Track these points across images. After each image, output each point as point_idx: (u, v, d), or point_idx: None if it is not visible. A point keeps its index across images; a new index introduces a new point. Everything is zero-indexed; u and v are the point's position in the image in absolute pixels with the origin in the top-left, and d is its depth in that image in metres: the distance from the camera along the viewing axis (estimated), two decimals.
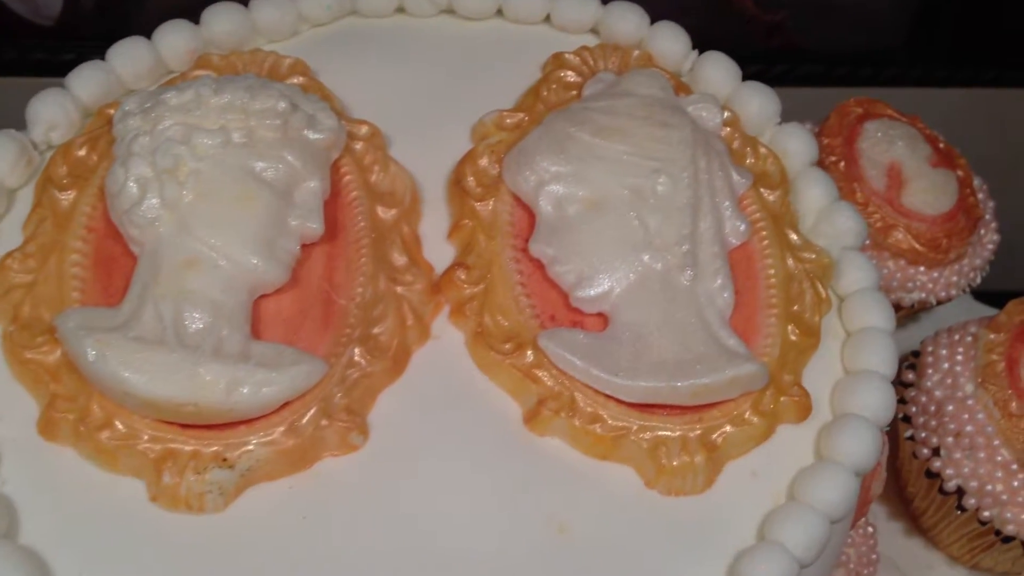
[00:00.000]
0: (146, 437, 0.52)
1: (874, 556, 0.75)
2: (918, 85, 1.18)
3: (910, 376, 0.76)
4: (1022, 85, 1.17)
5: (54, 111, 0.64)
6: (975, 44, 1.19)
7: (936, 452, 0.72)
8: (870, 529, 0.75)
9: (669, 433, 0.56)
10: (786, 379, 0.59)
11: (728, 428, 0.57)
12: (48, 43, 1.06)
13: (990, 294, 0.92)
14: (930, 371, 0.74)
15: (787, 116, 0.84)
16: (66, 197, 0.60)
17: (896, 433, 0.76)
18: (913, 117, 0.86)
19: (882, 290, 0.66)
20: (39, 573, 0.49)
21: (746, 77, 0.72)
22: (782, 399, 0.58)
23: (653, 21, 0.73)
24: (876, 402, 0.59)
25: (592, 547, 0.54)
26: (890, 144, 0.81)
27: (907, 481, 0.78)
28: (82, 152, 0.62)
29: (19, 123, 0.72)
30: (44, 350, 0.54)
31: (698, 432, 0.57)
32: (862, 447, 0.58)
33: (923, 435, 0.73)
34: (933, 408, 0.73)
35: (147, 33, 0.69)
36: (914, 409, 0.74)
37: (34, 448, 0.53)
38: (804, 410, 0.59)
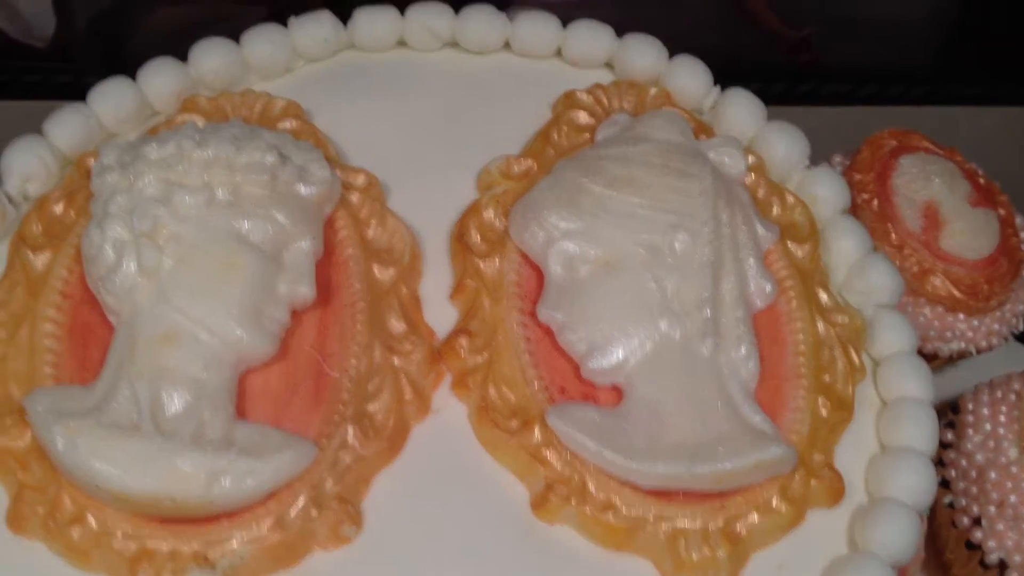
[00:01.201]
0: (120, 534, 0.48)
1: None
2: (950, 104, 1.12)
3: (949, 436, 0.71)
4: None
5: (30, 161, 0.60)
6: (1009, 61, 1.13)
7: (977, 522, 0.67)
8: None
9: (689, 524, 0.52)
10: (816, 459, 0.54)
11: (753, 517, 0.52)
12: (41, 64, 1.02)
13: None
14: (970, 431, 0.69)
15: (813, 136, 0.79)
16: (40, 259, 0.56)
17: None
18: (951, 150, 0.80)
19: (919, 347, 0.61)
20: None
21: (771, 96, 0.67)
22: (812, 482, 0.54)
23: (674, 39, 0.68)
24: (916, 484, 0.55)
25: None
26: (927, 181, 0.76)
27: (945, 546, 0.73)
28: (59, 208, 0.58)
29: (6, 146, 0.68)
30: (13, 433, 0.50)
31: (720, 523, 0.52)
32: (901, 538, 0.53)
33: (963, 503, 0.68)
34: (974, 474, 0.67)
35: (141, 56, 0.65)
36: (953, 473, 0.69)
37: (1, 543, 0.49)
38: (836, 494, 0.54)
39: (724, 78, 0.69)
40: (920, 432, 0.56)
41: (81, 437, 0.48)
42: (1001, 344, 0.77)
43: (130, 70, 0.69)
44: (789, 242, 0.61)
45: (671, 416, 0.53)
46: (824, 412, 0.56)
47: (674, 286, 0.56)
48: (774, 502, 0.53)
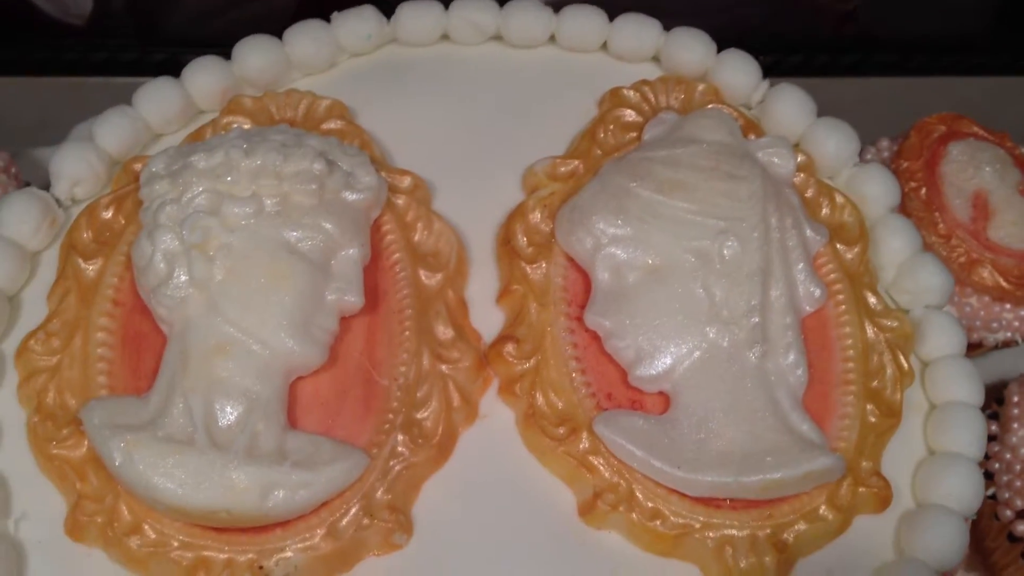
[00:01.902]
0: (176, 544, 0.50)
1: None
2: (1003, 74, 1.10)
3: (993, 428, 0.70)
4: None
5: (78, 166, 0.60)
6: None
7: (1021, 515, 0.67)
8: None
9: (736, 532, 0.52)
10: (864, 467, 0.55)
11: (800, 525, 0.53)
12: (79, 42, 1.02)
13: None
14: (1015, 425, 0.68)
15: (859, 107, 0.78)
16: (91, 267, 0.56)
17: None
18: (1002, 135, 0.79)
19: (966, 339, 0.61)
20: None
21: (816, 67, 0.66)
22: (860, 490, 0.54)
23: (721, 12, 0.67)
24: (963, 490, 0.55)
25: None
26: (976, 169, 0.75)
27: (986, 534, 0.73)
28: (108, 214, 0.58)
29: (52, 121, 0.68)
30: (70, 443, 0.51)
31: (768, 531, 0.52)
32: (947, 544, 0.53)
33: (1007, 496, 0.68)
34: (1019, 468, 0.67)
35: (178, 33, 0.65)
36: (997, 466, 0.69)
37: (61, 551, 0.50)
38: (884, 501, 0.54)
39: (767, 51, 0.68)
40: (969, 437, 0.56)
41: (138, 452, 0.49)
42: None
43: (165, 47, 0.69)
44: (838, 244, 0.61)
45: (719, 424, 0.54)
46: (873, 419, 0.56)
47: (723, 293, 0.56)
48: (821, 510, 0.53)
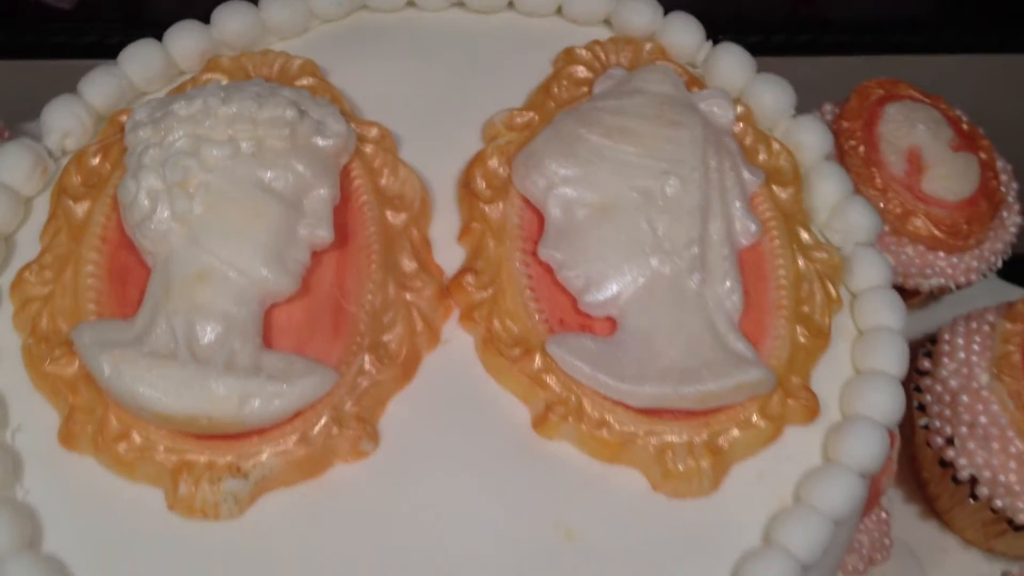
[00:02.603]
0: (162, 448, 0.54)
1: (887, 541, 0.75)
2: (948, 52, 1.16)
3: (926, 364, 0.75)
4: None
5: (67, 119, 0.64)
6: (1007, 8, 1.16)
7: (950, 441, 0.72)
8: (883, 515, 0.75)
9: (675, 438, 0.57)
10: (794, 382, 0.59)
11: (735, 432, 0.57)
12: (68, 26, 1.07)
13: (1020, 274, 0.91)
14: (946, 360, 0.74)
15: (813, 86, 0.83)
16: (80, 207, 0.61)
17: (912, 420, 0.76)
18: (936, 98, 0.84)
19: (896, 281, 0.66)
20: None
21: (771, 47, 0.71)
22: (789, 402, 0.59)
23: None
24: (885, 403, 0.60)
25: (598, 552, 0.55)
26: (911, 128, 0.80)
27: (922, 466, 0.78)
28: (95, 161, 0.62)
29: (39, 103, 0.73)
30: (62, 362, 0.56)
31: (704, 437, 0.57)
32: (869, 449, 0.58)
33: (937, 424, 0.73)
34: (948, 398, 0.72)
35: (162, 16, 0.69)
36: (929, 398, 0.74)
37: (55, 458, 0.55)
38: (811, 412, 0.59)
39: (727, 31, 0.73)
40: (891, 357, 0.61)
41: (125, 365, 0.53)
42: (980, 280, 0.82)
43: (151, 30, 0.73)
44: (774, 186, 0.66)
45: (660, 344, 0.58)
46: (803, 339, 0.61)
47: (665, 227, 0.61)
48: (754, 419, 0.58)
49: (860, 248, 0.65)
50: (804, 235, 0.64)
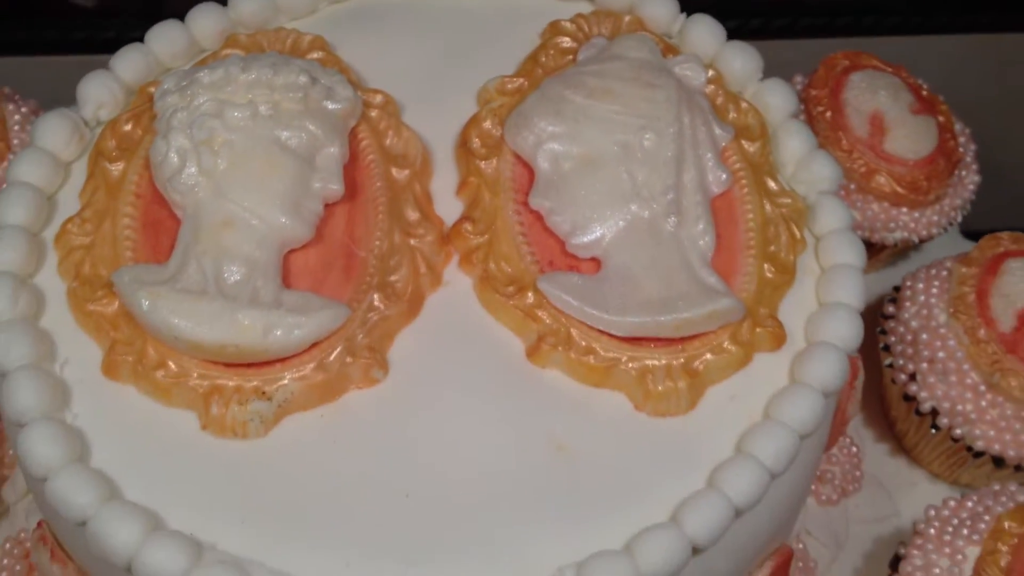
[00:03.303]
0: (195, 375, 0.60)
1: (858, 473, 0.81)
2: (918, 33, 1.22)
3: (890, 309, 0.82)
4: (1016, 29, 1.21)
5: (101, 91, 0.71)
6: None
7: (912, 377, 0.78)
8: (854, 449, 0.81)
9: (655, 362, 0.63)
10: (762, 312, 0.66)
11: (708, 356, 0.64)
12: (89, 22, 1.13)
13: (980, 233, 0.97)
14: (908, 304, 0.80)
15: (790, 67, 0.89)
16: (116, 168, 0.67)
17: (878, 362, 0.82)
18: (898, 67, 0.91)
19: (857, 230, 0.72)
20: (109, 490, 0.57)
21: (748, 31, 0.77)
22: (758, 330, 0.65)
23: None
24: (845, 331, 0.66)
25: (587, 462, 0.61)
26: (873, 94, 0.87)
27: (890, 405, 0.84)
28: (128, 127, 0.69)
29: (63, 98, 0.79)
30: (104, 302, 0.62)
31: (681, 360, 0.63)
32: (831, 370, 0.64)
33: (901, 362, 0.79)
34: (910, 337, 0.79)
35: (182, 11, 0.76)
36: (893, 339, 0.80)
37: (99, 387, 0.61)
38: (778, 339, 0.65)
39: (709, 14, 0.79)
40: (851, 290, 0.67)
41: (161, 300, 0.60)
42: (941, 234, 0.88)
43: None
44: (743, 141, 0.72)
45: (640, 279, 0.65)
46: (769, 275, 0.67)
47: (643, 176, 0.67)
48: (726, 344, 0.64)
49: (823, 196, 0.72)
50: (771, 184, 0.71)
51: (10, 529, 0.76)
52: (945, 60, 1.19)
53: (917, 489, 0.81)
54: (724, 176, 0.69)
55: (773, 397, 0.64)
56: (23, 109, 0.83)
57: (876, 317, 0.85)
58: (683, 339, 0.64)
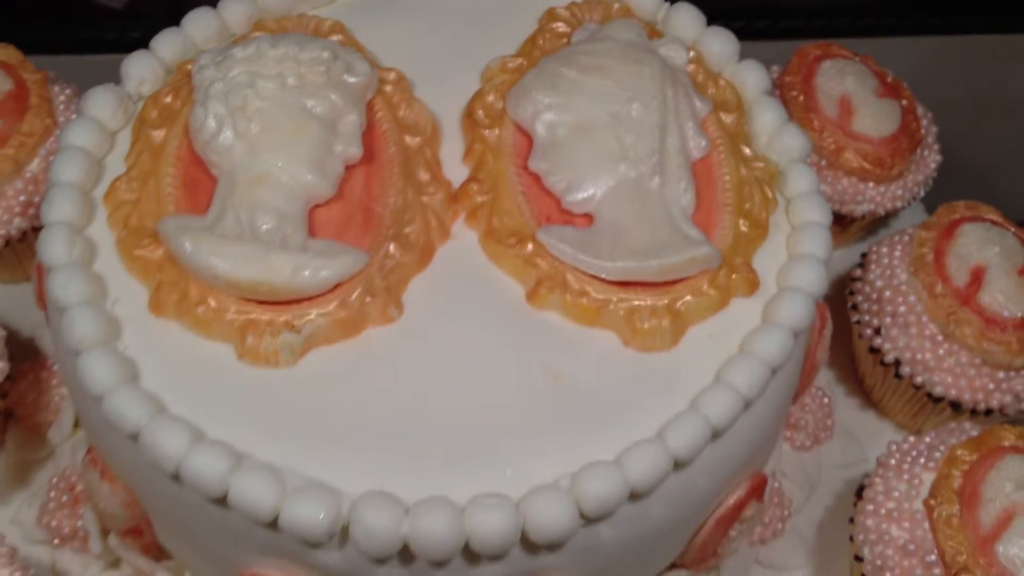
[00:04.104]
0: (232, 310, 0.68)
1: (829, 422, 0.89)
2: (892, 35, 1.31)
3: (858, 272, 0.90)
4: (981, 31, 1.30)
5: (143, 68, 0.79)
6: None
7: (877, 331, 0.86)
8: (826, 400, 0.89)
9: (642, 303, 0.71)
10: (738, 261, 0.73)
11: (689, 298, 0.71)
12: (118, 22, 1.21)
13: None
14: (873, 266, 0.88)
15: (768, 64, 0.97)
16: (158, 134, 0.75)
17: (848, 321, 0.90)
18: (865, 57, 0.99)
19: (833, 209, 0.80)
20: (158, 409, 0.64)
21: (732, 32, 0.85)
22: (734, 276, 0.72)
23: None
24: (812, 277, 0.73)
25: (581, 389, 0.68)
26: (842, 79, 0.95)
27: (859, 362, 0.91)
28: (168, 99, 0.77)
29: None
30: (150, 249, 0.69)
31: (665, 302, 0.71)
32: (799, 311, 0.71)
33: (867, 318, 0.87)
34: (875, 296, 0.86)
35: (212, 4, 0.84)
36: (860, 298, 0.88)
37: (146, 323, 0.68)
38: (752, 285, 0.73)
39: None
40: (818, 243, 0.74)
41: (202, 243, 0.67)
42: (905, 207, 0.96)
43: None
44: (720, 113, 0.80)
45: (628, 231, 0.72)
46: (744, 229, 0.75)
47: (631, 141, 0.75)
48: (705, 287, 0.71)
49: (793, 163, 0.79)
50: (746, 150, 0.79)
51: (55, 469, 0.83)
52: (914, 60, 1.28)
53: (884, 438, 0.88)
54: (703, 143, 0.77)
55: (748, 335, 0.71)
56: (67, 91, 0.91)
57: (845, 285, 0.92)
58: (667, 283, 0.71)
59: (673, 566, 0.77)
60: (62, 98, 0.90)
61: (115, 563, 0.79)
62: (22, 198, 0.85)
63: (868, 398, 0.93)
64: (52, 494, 0.79)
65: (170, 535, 0.72)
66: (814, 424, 0.88)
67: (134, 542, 0.74)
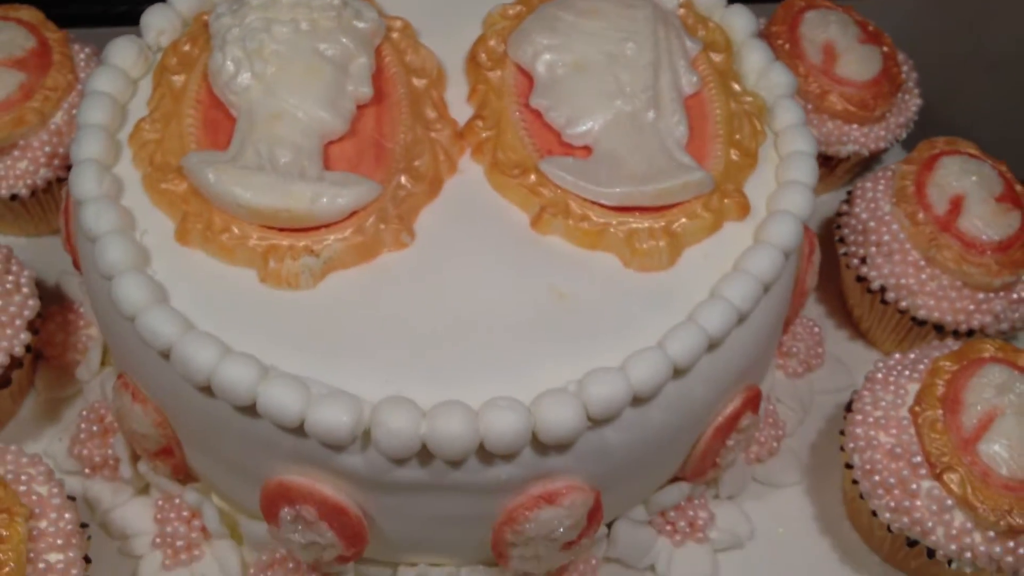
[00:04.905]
0: (255, 237, 0.72)
1: (820, 350, 0.93)
2: None
3: (844, 208, 0.94)
4: None
5: (161, 20, 0.83)
6: None
7: (863, 261, 0.90)
8: (816, 329, 0.93)
9: (640, 226, 0.75)
10: (729, 187, 0.78)
11: (684, 221, 0.75)
12: None
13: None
14: (858, 201, 0.92)
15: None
16: (178, 79, 0.79)
17: (835, 254, 0.94)
18: (847, 7, 1.03)
19: (820, 150, 0.84)
20: (186, 327, 0.68)
21: None
22: (726, 201, 0.77)
23: None
24: (799, 201, 0.77)
25: (585, 306, 0.72)
26: (825, 27, 0.99)
27: (847, 294, 0.96)
28: (187, 47, 0.81)
29: None
30: (175, 183, 0.74)
31: (661, 224, 0.75)
32: (788, 232, 0.76)
33: (853, 249, 0.91)
34: (860, 227, 0.91)
35: None
36: (846, 231, 0.92)
37: (173, 251, 0.72)
38: (743, 209, 0.77)
39: None
40: (803, 172, 0.79)
41: (225, 175, 0.71)
42: (888, 148, 1.00)
43: None
44: (710, 53, 0.84)
45: (625, 160, 0.77)
46: (735, 158, 0.79)
47: (626, 78, 0.79)
48: (699, 211, 0.76)
49: (780, 98, 0.84)
50: (735, 86, 0.83)
51: (84, 403, 0.87)
52: (897, 18, 1.32)
53: (872, 364, 0.93)
54: (695, 79, 0.81)
55: (741, 254, 0.76)
56: (86, 50, 0.95)
57: (833, 228, 0.97)
58: (663, 207, 0.76)
59: (676, 479, 0.81)
60: (82, 56, 0.94)
61: (144, 489, 0.83)
62: (47, 149, 0.89)
63: (857, 329, 0.97)
64: (83, 425, 0.83)
65: (199, 452, 0.76)
66: (805, 351, 0.92)
67: (164, 464, 0.78)
